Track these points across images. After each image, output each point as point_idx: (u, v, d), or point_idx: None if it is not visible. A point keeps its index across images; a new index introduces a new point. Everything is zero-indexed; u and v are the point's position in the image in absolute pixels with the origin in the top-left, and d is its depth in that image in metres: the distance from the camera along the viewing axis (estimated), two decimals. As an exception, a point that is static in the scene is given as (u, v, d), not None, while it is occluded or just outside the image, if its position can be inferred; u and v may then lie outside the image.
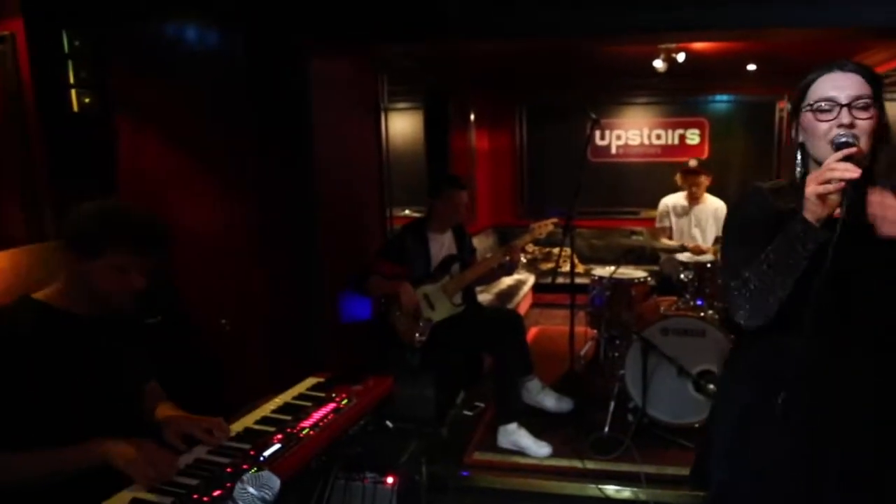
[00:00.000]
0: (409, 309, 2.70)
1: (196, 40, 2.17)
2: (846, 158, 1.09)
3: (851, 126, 1.16)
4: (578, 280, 4.44)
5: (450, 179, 3.04)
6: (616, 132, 6.01)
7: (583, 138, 5.87)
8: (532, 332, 4.86)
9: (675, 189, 4.32)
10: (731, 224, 1.39)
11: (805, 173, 1.26)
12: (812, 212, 1.11)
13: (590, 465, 2.75)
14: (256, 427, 1.57)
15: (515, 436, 2.80)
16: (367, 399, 1.89)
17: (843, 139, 1.13)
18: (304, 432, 1.59)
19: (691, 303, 3.32)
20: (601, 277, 3.70)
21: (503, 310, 3.89)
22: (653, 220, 4.53)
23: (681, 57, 4.48)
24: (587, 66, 5.21)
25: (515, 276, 5.30)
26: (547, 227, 3.05)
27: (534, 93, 5.90)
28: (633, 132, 5.99)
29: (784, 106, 5.57)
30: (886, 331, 1.28)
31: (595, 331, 3.76)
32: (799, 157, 1.29)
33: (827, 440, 1.25)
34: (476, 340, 2.89)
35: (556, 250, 5.72)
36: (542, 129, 6.05)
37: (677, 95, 5.80)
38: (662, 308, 3.32)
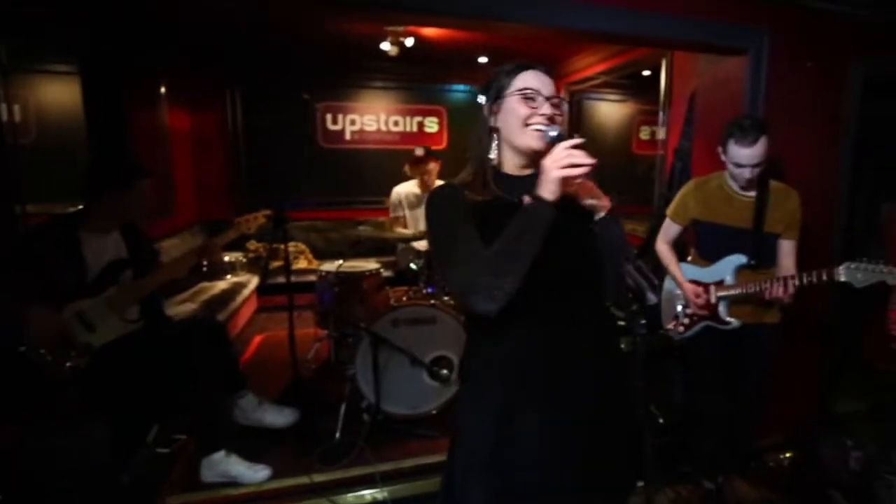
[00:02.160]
0: (49, 335, 2.13)
1: None
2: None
3: (552, 119, 1.34)
4: (310, 277, 4.28)
5: (131, 166, 2.51)
6: (350, 117, 5.96)
7: (309, 122, 5.76)
8: (256, 341, 4.58)
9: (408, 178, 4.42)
10: (440, 217, 1.37)
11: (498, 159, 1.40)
12: (552, 192, 1.23)
13: (319, 478, 2.62)
14: None
15: (224, 465, 2.51)
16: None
17: (557, 133, 1.29)
18: None
19: (423, 291, 3.42)
20: (327, 273, 3.60)
21: (197, 320, 3.42)
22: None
23: (409, 41, 4.62)
24: (311, 44, 5.04)
25: (233, 279, 4.91)
26: (257, 220, 2.77)
27: (251, 71, 5.50)
28: (368, 117, 6.01)
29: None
30: (593, 307, 1.43)
31: (325, 331, 3.65)
32: (494, 143, 1.39)
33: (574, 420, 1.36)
34: (164, 361, 2.47)
35: (289, 246, 5.50)
36: (262, 111, 5.63)
37: (415, 82, 6.01)
38: (393, 299, 3.35)
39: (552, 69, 5.96)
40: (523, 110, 1.34)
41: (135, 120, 3.84)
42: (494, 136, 1.40)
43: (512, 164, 1.42)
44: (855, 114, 2.96)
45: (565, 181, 1.24)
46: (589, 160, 1.21)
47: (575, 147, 1.23)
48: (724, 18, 2.65)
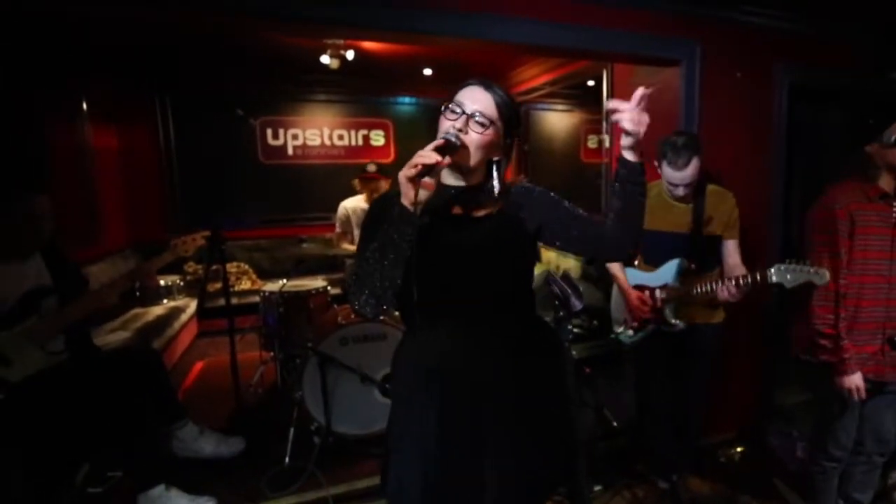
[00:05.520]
0: None
1: None
2: (438, 149, 1.26)
3: (460, 130, 1.35)
4: (254, 299, 4.20)
5: (16, 186, 2.39)
6: (292, 131, 5.91)
7: (248, 137, 5.70)
8: (197, 367, 4.46)
9: (356, 192, 4.46)
10: (364, 222, 1.54)
11: None
12: (405, 195, 1.26)
13: (266, 506, 2.57)
14: None
15: (163, 499, 2.43)
16: None
17: (446, 136, 1.33)
18: None
19: (371, 307, 3.42)
20: (271, 293, 3.57)
21: (129, 349, 3.29)
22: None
23: (350, 55, 4.67)
24: (249, 55, 5.00)
25: (171, 303, 4.75)
26: (195, 241, 2.73)
27: (185, 82, 5.40)
28: (311, 132, 5.97)
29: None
30: (502, 306, 1.48)
31: (271, 353, 3.62)
32: None
33: (483, 416, 1.43)
34: (93, 394, 2.39)
35: (231, 267, 5.39)
36: (196, 125, 5.50)
37: (359, 95, 6.03)
38: (340, 317, 3.35)
39: (498, 80, 6.17)
40: (443, 124, 1.39)
41: (56, 140, 3.67)
42: None
43: (445, 174, 1.47)
44: (783, 119, 3.16)
45: (414, 182, 1.25)
46: (424, 159, 1.23)
47: (437, 148, 1.27)
48: (657, 32, 2.81)
